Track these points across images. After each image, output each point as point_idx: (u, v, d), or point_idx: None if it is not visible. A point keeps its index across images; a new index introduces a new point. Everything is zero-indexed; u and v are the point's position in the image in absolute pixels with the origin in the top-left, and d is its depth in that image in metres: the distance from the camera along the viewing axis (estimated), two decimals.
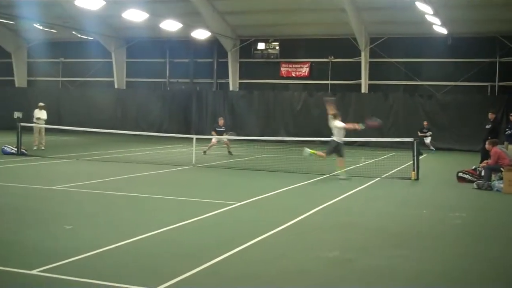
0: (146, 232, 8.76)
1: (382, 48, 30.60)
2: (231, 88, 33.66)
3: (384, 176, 17.09)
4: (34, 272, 6.64)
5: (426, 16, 25.04)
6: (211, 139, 23.28)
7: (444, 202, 13.13)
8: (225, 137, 23.35)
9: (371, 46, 30.76)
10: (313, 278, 6.85)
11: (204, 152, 22.60)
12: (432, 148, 27.35)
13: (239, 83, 34.12)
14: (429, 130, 27.72)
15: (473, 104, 28.30)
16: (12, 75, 38.42)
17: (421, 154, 19.49)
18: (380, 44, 30.59)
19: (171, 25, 28.63)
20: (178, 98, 34.69)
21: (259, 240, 8.53)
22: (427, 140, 27.43)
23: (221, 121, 24.15)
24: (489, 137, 17.37)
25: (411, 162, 16.77)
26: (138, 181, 15.11)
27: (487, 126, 19.95)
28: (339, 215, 11.03)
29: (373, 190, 14.49)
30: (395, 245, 8.62)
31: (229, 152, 23.34)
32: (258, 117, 32.14)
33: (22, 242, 8.14)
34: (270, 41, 32.68)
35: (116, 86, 36.29)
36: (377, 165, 20.52)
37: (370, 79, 31.02)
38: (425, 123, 27.90)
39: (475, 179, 15.48)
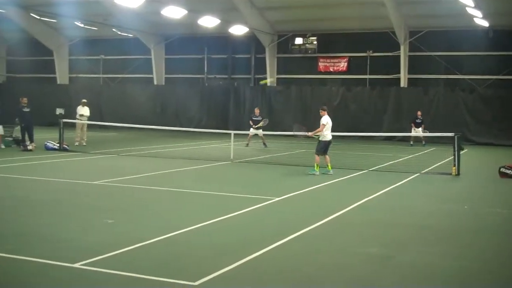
0: (186, 227, 8.86)
1: (422, 42, 30.14)
2: (268, 83, 33.65)
3: (424, 171, 16.86)
4: (76, 265, 6.78)
5: (467, 8, 24.58)
6: (253, 133, 24.19)
7: (486, 198, 12.90)
8: (259, 132, 24.04)
9: (411, 39, 30.33)
10: (352, 274, 6.84)
11: (247, 144, 23.92)
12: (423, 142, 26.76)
13: (277, 78, 34.09)
14: (422, 122, 26.75)
15: None
16: (54, 72, 39.21)
17: (462, 149, 19.16)
18: (419, 37, 30.14)
19: (209, 21, 28.81)
20: (216, 94, 34.87)
21: (297, 235, 8.53)
22: (418, 130, 26.27)
23: (257, 111, 25.28)
24: None
25: (452, 157, 16.52)
26: (178, 176, 15.27)
27: None
28: (378, 211, 10.94)
29: (413, 186, 14.32)
30: (435, 242, 8.52)
31: (264, 144, 24.07)
32: (295, 112, 32.05)
33: (64, 236, 8.33)
34: (308, 36, 32.52)
35: (155, 83, 36.70)
36: (417, 160, 20.25)
37: (409, 73, 30.61)
38: (418, 113, 26.96)
39: None
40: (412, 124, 26.68)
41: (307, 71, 33.22)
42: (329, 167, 15.87)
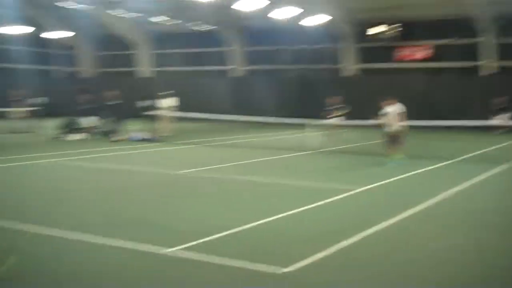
0: (271, 216, 9.02)
1: (510, 28, 28.94)
2: (347, 73, 33.35)
3: None
4: (169, 250, 7.09)
5: None
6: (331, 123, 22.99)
7: None
8: (341, 119, 22.63)
9: (497, 25, 29.16)
10: (441, 268, 6.78)
11: (330, 135, 22.35)
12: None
13: (356, 68, 33.71)
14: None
15: None
16: (138, 66, 40.49)
17: None
18: (507, 23, 28.93)
19: (289, 12, 28.85)
20: (294, 84, 34.89)
21: (382, 227, 8.49)
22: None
23: (336, 100, 23.13)
24: None
25: None
26: (258, 167, 15.49)
27: None
28: (460, 207, 10.69)
29: (503, 178, 13.82)
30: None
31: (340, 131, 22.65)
32: (375, 101, 31.52)
33: (155, 223, 8.71)
34: (388, 24, 31.95)
35: (234, 75, 37.18)
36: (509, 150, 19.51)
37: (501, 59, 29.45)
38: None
39: None
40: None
41: (388, 60, 32.69)
42: (399, 157, 15.53)
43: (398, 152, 15.60)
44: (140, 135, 21.97)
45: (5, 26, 32.44)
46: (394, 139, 15.68)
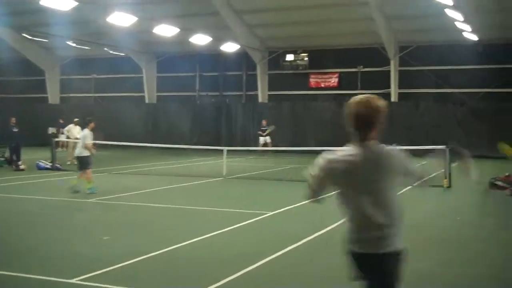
0: (182, 242, 8.89)
1: (412, 56, 30.44)
2: (260, 100, 33.83)
3: (415, 184, 16.87)
4: (73, 281, 6.79)
5: (456, 23, 24.90)
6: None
7: (478, 209, 13.01)
8: (267, 138, 28.46)
9: (401, 54, 30.63)
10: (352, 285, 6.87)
11: (263, 154, 27.89)
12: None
13: (268, 95, 34.27)
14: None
15: (505, 110, 27.96)
16: (46, 92, 39.25)
17: (454, 162, 19.26)
18: (409, 52, 30.44)
19: (200, 39, 29.01)
20: (208, 111, 34.98)
21: (291, 249, 8.57)
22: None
23: (264, 122, 29.51)
24: None
25: (443, 169, 16.63)
26: (171, 193, 15.31)
27: None
28: None
29: (405, 198, 14.27)
30: (433, 251, 8.59)
31: (268, 150, 27.79)
32: (287, 128, 32.16)
33: (61, 253, 8.35)
34: (298, 52, 32.77)
35: (147, 101, 36.79)
36: None
37: (400, 87, 30.86)
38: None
39: (508, 186, 15.27)
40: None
41: (299, 87, 33.40)
42: (90, 185, 14.63)
43: (89, 179, 14.69)
44: (48, 163, 21.15)
45: None
46: (81, 164, 14.88)
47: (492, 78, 29.12)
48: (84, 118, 17.44)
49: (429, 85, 30.62)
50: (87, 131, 15.03)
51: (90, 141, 14.92)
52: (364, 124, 3.87)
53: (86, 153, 14.83)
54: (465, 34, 27.09)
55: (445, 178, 16.25)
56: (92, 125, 15.25)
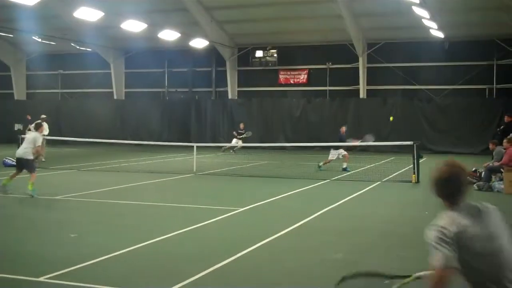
0: (151, 239, 8.82)
1: (380, 54, 30.73)
2: (229, 96, 33.79)
3: (384, 180, 17.16)
4: (41, 279, 6.69)
5: (423, 20, 25.21)
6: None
7: None
8: (240, 142, 28.25)
9: (369, 51, 30.89)
10: (319, 280, 6.91)
11: (232, 150, 28.34)
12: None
13: (238, 91, 34.24)
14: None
15: (471, 107, 28.48)
16: (12, 88, 38.54)
17: (421, 158, 19.57)
18: (377, 49, 30.73)
19: (169, 35, 28.81)
20: (177, 107, 34.81)
21: (263, 244, 8.59)
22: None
23: (242, 125, 29.50)
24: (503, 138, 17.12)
25: (411, 165, 16.86)
26: (140, 190, 15.17)
27: (500, 128, 20.86)
28: (342, 218, 11.10)
29: (375, 194, 14.56)
30: (399, 246, 8.69)
31: (233, 151, 28.16)
32: (257, 124, 32.20)
33: (28, 251, 8.20)
34: (268, 48, 32.82)
35: (115, 97, 36.40)
36: (377, 169, 20.58)
37: (368, 84, 31.13)
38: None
39: (475, 180, 15.54)
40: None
41: (268, 84, 33.46)
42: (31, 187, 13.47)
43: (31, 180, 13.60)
44: (13, 160, 20.72)
45: None
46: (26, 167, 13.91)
47: (457, 76, 29.59)
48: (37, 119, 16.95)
49: (396, 82, 30.94)
50: (37, 134, 14.20)
51: (40, 144, 14.10)
52: None
53: (31, 156, 13.91)
54: (432, 32, 27.44)
55: (413, 174, 16.49)
56: (42, 128, 14.75)
